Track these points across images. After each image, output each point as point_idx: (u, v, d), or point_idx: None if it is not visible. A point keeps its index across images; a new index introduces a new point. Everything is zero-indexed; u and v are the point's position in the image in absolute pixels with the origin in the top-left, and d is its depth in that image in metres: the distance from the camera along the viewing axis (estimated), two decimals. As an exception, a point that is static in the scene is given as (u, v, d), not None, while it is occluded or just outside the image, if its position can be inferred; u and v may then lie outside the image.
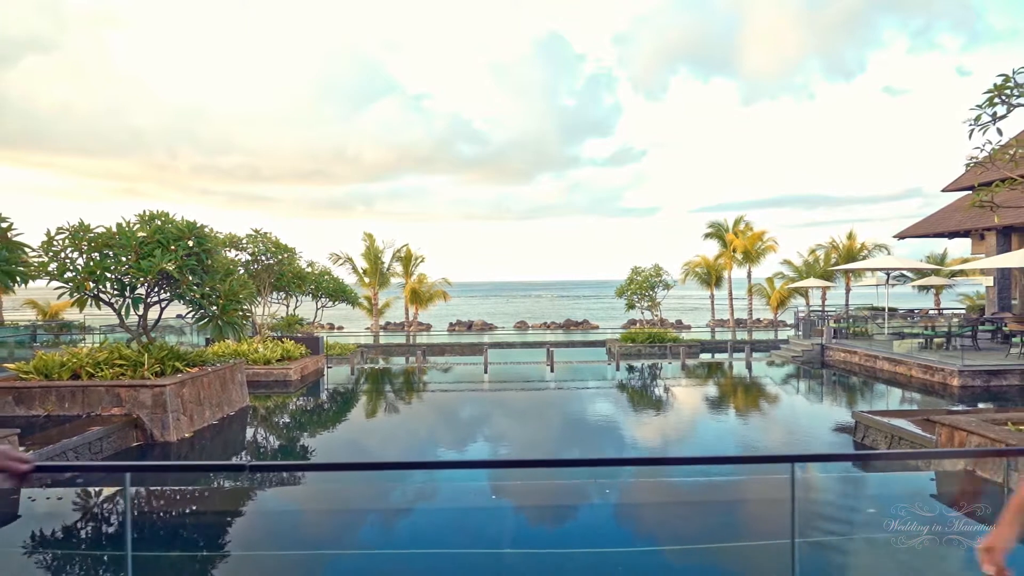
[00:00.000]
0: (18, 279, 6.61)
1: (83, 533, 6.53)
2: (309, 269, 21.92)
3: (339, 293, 23.53)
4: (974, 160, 6.46)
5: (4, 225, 6.43)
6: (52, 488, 7.55)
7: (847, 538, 5.77)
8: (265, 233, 18.53)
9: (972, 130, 6.03)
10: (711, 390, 17.60)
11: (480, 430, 12.54)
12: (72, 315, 27.77)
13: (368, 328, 36.62)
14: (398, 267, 35.88)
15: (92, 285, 10.86)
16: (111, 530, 6.40)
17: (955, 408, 12.04)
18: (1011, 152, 6.56)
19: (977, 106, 6.00)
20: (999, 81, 5.77)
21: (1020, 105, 5.92)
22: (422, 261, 35.96)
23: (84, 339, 19.06)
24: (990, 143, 6.48)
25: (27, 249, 7.96)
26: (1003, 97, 5.80)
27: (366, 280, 35.08)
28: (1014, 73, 5.73)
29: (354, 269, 34.67)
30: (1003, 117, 5.96)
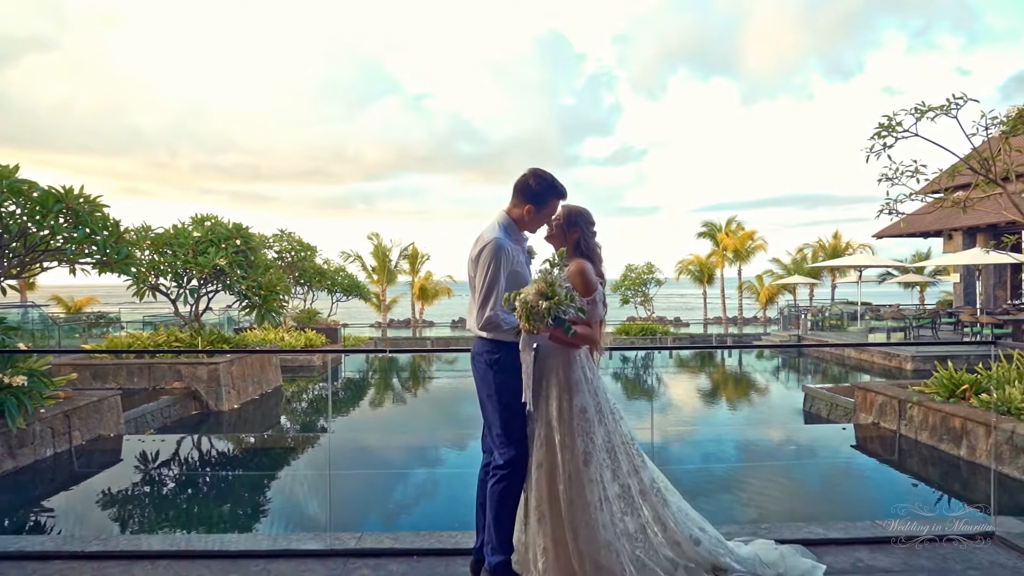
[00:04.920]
0: (129, 272, 8.40)
1: (175, 471, 8.31)
2: (326, 267, 23.71)
3: (353, 289, 25.33)
4: (884, 176, 8.32)
5: (121, 229, 8.22)
6: (147, 436, 9.35)
7: (776, 463, 7.61)
8: (290, 233, 20.36)
9: (868, 156, 7.91)
10: (691, 374, 19.36)
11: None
12: (89, 309, 29.52)
13: (373, 325, 38.34)
14: (405, 265, 37.62)
15: (153, 278, 12.67)
16: (192, 465, 8.19)
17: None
18: (911, 171, 8.40)
19: (870, 138, 7.86)
20: (884, 121, 7.65)
21: (904, 138, 7.80)
22: (428, 259, 37.73)
23: (123, 329, 20.83)
24: (890, 160, 8.29)
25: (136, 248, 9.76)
26: (888, 131, 7.68)
27: (374, 277, 36.82)
28: (894, 115, 7.61)
29: (363, 267, 36.41)
30: (891, 146, 7.85)
